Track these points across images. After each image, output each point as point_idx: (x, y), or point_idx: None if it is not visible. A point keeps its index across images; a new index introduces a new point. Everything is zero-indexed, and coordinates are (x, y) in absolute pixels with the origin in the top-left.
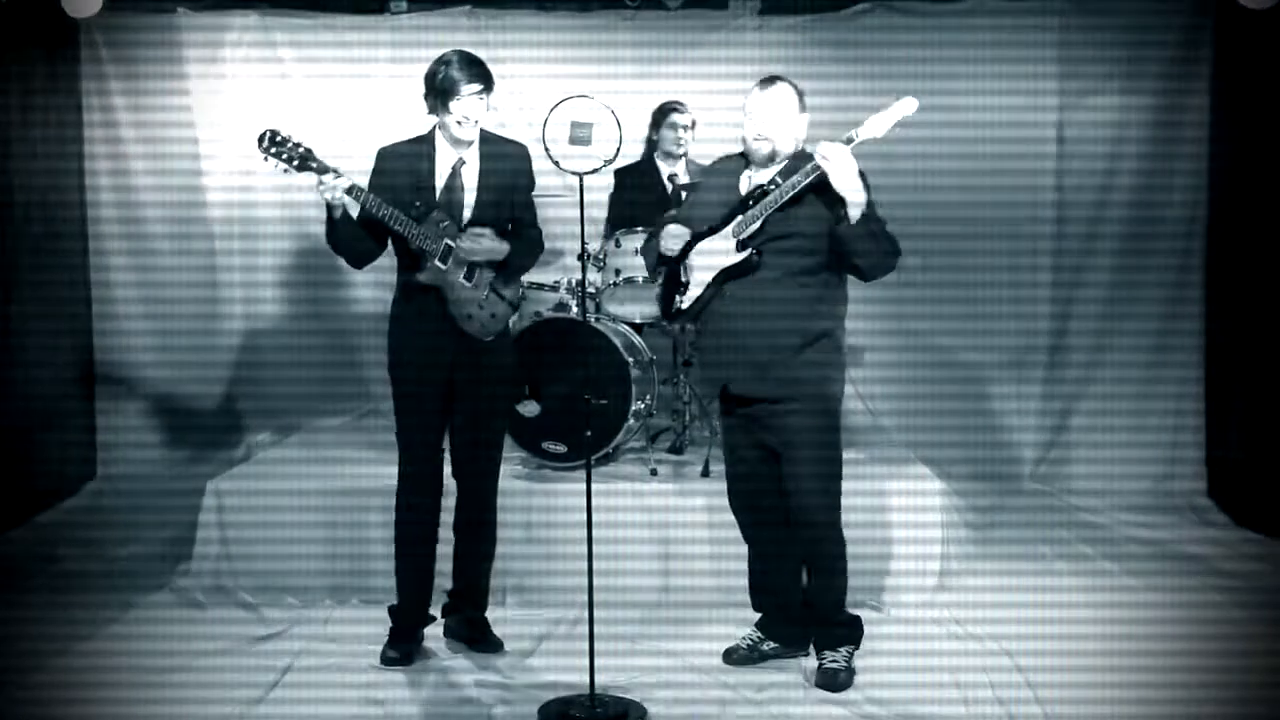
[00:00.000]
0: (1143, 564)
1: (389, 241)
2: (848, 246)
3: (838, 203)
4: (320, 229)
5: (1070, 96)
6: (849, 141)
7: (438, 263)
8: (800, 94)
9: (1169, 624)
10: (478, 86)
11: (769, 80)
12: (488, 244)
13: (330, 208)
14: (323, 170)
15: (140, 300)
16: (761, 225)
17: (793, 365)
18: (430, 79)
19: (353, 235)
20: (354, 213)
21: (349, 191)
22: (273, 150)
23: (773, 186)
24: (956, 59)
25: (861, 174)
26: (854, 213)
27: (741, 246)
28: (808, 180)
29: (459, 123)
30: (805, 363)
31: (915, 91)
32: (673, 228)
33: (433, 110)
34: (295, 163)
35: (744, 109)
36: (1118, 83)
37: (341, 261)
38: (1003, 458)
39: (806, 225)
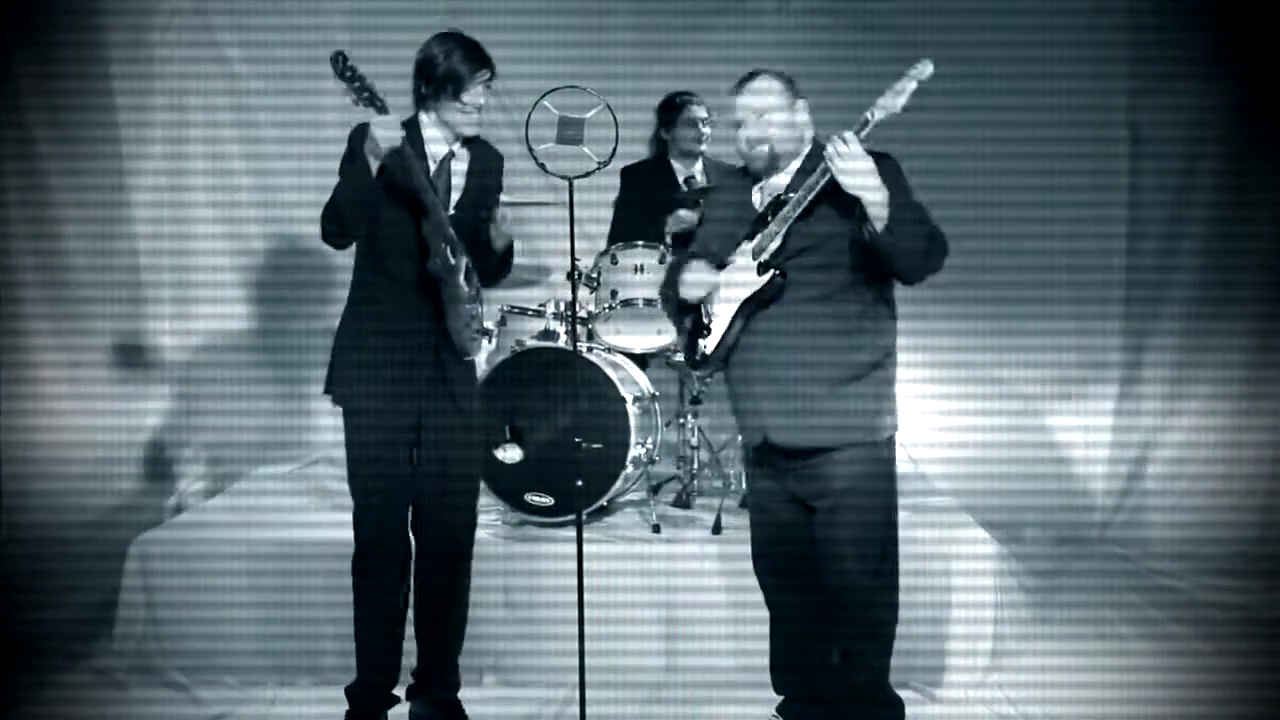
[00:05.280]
0: (1234, 638)
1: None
2: (879, 252)
3: (857, 204)
4: (261, 240)
5: (1141, 97)
6: (865, 124)
7: (449, 253)
8: (788, 82)
9: (1265, 709)
10: (488, 74)
11: (743, 80)
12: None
13: (361, 150)
14: (384, 110)
15: (51, 324)
16: (784, 241)
17: (837, 403)
18: (428, 67)
19: (364, 184)
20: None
21: (398, 149)
22: (346, 75)
23: (790, 196)
24: (1013, 45)
25: (893, 163)
26: (873, 212)
27: (763, 269)
28: (822, 183)
29: (466, 113)
30: (856, 398)
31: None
32: (694, 273)
33: (426, 103)
34: (366, 95)
35: (731, 121)
36: (1195, 75)
37: (288, 280)
38: (1067, 510)
39: (833, 233)
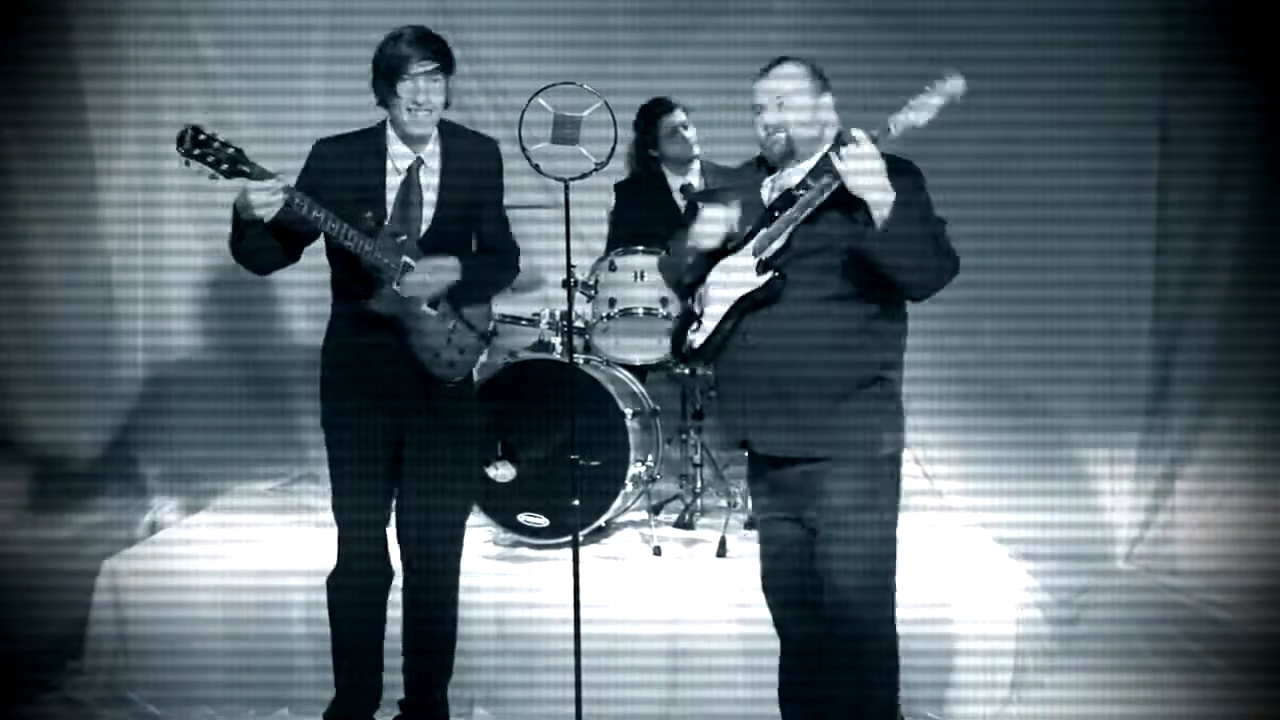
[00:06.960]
0: (1266, 666)
1: (301, 253)
2: (878, 259)
3: (863, 208)
4: None
5: (1174, 96)
6: (885, 133)
7: (396, 286)
8: (815, 71)
9: None
10: (431, 65)
11: (771, 64)
12: (444, 276)
13: (240, 214)
14: (259, 175)
15: (18, 335)
16: (787, 241)
17: (833, 417)
18: (376, 60)
19: (265, 243)
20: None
21: (288, 202)
22: (196, 152)
23: (801, 191)
24: (1037, 36)
25: (915, 179)
26: (876, 214)
27: (763, 267)
28: (834, 186)
29: (409, 109)
30: (849, 414)
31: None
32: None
33: (381, 100)
34: (225, 167)
35: (751, 105)
36: (1230, 75)
37: (268, 288)
38: (1092, 533)
39: (839, 237)
